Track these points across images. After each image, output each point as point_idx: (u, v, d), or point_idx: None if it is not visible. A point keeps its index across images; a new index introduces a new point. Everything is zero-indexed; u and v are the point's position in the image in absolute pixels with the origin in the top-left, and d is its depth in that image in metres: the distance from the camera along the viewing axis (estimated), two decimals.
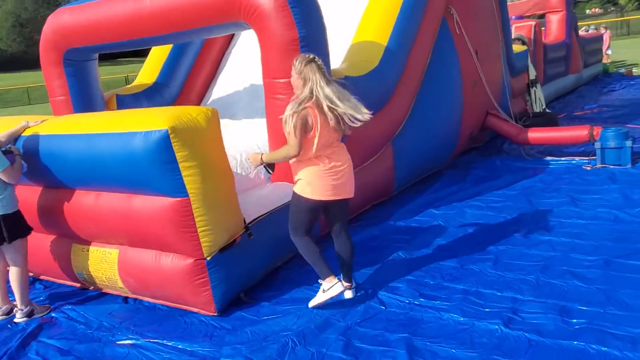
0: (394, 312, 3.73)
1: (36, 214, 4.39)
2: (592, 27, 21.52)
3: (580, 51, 14.05)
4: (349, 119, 3.49)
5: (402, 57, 5.86)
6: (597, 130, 6.87)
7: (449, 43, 6.80)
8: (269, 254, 4.35)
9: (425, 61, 6.32)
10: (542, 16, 14.25)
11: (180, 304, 4.01)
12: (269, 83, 4.71)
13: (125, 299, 4.36)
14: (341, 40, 6.10)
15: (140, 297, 4.28)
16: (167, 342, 3.60)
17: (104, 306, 4.28)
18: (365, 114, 3.49)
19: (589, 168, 6.70)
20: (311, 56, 3.54)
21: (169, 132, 3.47)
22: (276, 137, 4.74)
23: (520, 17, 12.32)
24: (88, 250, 4.27)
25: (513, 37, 9.73)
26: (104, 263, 4.17)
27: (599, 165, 6.67)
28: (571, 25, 13.43)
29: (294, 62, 3.57)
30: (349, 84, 4.55)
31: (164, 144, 3.49)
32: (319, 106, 3.45)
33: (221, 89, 7.65)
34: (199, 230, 3.66)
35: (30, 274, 4.42)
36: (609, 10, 48.94)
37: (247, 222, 4.08)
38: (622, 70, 16.67)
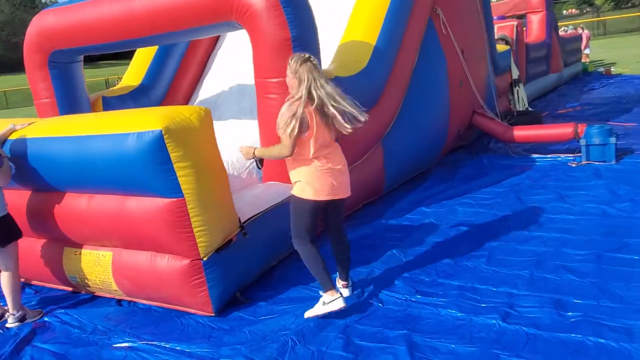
0: (391, 309, 3.74)
1: (25, 218, 4.32)
2: (571, 27, 21.85)
3: (561, 51, 14.26)
4: (349, 118, 3.46)
5: (391, 56, 5.89)
6: (582, 128, 6.98)
7: (435, 43, 6.86)
8: (264, 253, 4.34)
9: (413, 61, 6.37)
10: (522, 16, 14.42)
11: (177, 305, 3.98)
12: (260, 82, 4.70)
13: (119, 301, 4.31)
14: (329, 40, 6.11)
15: (134, 300, 4.24)
16: (164, 343, 3.57)
17: (98, 309, 4.23)
18: (364, 115, 3.49)
19: (574, 165, 6.80)
20: (306, 55, 3.49)
21: (163, 132, 3.44)
22: (268, 136, 4.73)
23: (502, 18, 12.48)
24: (80, 254, 4.21)
25: (496, 37, 9.83)
26: (97, 266, 4.12)
27: (584, 162, 6.77)
28: (551, 25, 13.64)
29: (289, 61, 3.50)
30: (339, 84, 4.59)
31: (158, 144, 3.46)
32: (316, 106, 3.39)
33: (207, 90, 7.62)
34: (194, 230, 3.64)
35: (21, 279, 4.34)
36: (585, 11, 49.72)
37: (242, 221, 4.06)
38: (601, 69, 16.95)
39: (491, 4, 10.24)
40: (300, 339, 3.43)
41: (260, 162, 3.71)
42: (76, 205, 4.01)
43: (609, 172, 6.32)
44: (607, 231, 4.65)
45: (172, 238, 3.67)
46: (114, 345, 3.62)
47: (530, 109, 10.38)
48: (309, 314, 3.64)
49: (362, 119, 3.48)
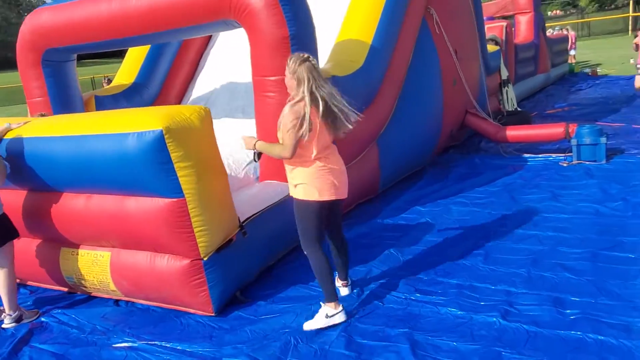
0: (391, 307, 3.76)
1: (22, 218, 4.27)
2: (557, 28, 22.07)
3: (548, 51, 14.40)
4: (346, 118, 3.45)
5: (386, 56, 5.92)
6: (573, 128, 7.06)
7: (429, 42, 6.90)
8: (263, 252, 4.34)
9: (407, 60, 6.40)
10: (507, 17, 14.53)
11: (176, 305, 3.97)
12: (258, 81, 4.70)
13: (117, 301, 4.29)
14: (324, 39, 6.12)
15: (132, 300, 4.21)
16: (165, 343, 3.56)
17: (95, 309, 4.20)
18: (355, 115, 3.48)
19: (565, 164, 6.87)
20: (305, 55, 3.42)
21: (164, 132, 3.42)
22: (265, 135, 4.71)
23: (491, 18, 12.58)
24: (78, 254, 4.18)
25: (487, 37, 9.91)
26: (95, 266, 4.09)
27: (575, 162, 6.85)
28: (539, 25, 13.77)
29: (288, 61, 3.43)
30: (336, 83, 4.59)
31: (159, 144, 3.44)
32: (317, 107, 3.34)
33: (200, 88, 7.61)
34: (195, 230, 3.62)
35: (17, 280, 4.29)
36: (569, 12, 50.22)
37: (241, 221, 4.06)
38: (587, 70, 17.14)
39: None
40: (302, 338, 3.44)
41: (258, 155, 3.62)
42: (74, 205, 3.98)
43: (600, 171, 6.40)
44: (601, 230, 4.71)
45: (172, 238, 3.65)
46: (114, 345, 3.60)
47: (519, 109, 10.48)
48: (309, 325, 3.55)
49: (353, 120, 3.46)
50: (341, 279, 3.99)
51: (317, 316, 3.57)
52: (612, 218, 4.96)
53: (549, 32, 17.33)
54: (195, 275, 3.72)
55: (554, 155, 7.31)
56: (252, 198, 4.52)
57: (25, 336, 3.87)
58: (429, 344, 3.27)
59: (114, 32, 5.29)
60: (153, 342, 3.59)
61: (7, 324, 4.04)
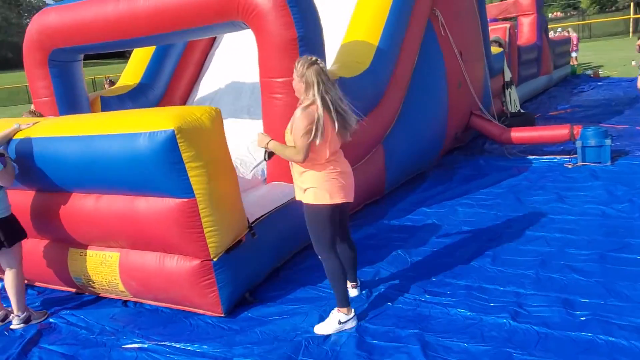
0: (401, 308, 3.76)
1: (30, 219, 4.27)
2: (560, 29, 22.09)
3: (551, 53, 14.41)
4: (350, 122, 3.41)
5: (393, 57, 5.92)
6: (577, 130, 7.06)
7: (434, 44, 6.90)
8: (272, 254, 4.35)
9: (413, 62, 6.41)
10: (508, 19, 14.54)
11: (185, 305, 3.97)
12: (266, 82, 4.70)
13: (125, 302, 4.29)
14: (330, 41, 6.12)
15: (141, 300, 4.22)
16: (175, 344, 3.56)
17: (104, 310, 4.20)
18: (358, 118, 3.46)
19: (570, 166, 6.88)
20: (313, 58, 3.36)
21: (175, 132, 3.43)
22: (272, 135, 4.65)
23: (494, 20, 12.59)
24: (86, 255, 4.18)
25: (490, 39, 9.92)
26: (104, 267, 4.09)
27: (580, 163, 6.86)
28: (541, 27, 13.79)
29: (296, 64, 3.39)
30: (343, 85, 4.59)
31: (170, 144, 3.45)
32: (328, 110, 3.32)
33: (205, 89, 7.62)
34: (205, 230, 3.63)
35: (25, 281, 4.29)
36: (569, 14, 50.27)
37: (250, 222, 4.06)
38: (589, 72, 17.15)
39: None
40: (313, 339, 3.44)
41: (269, 154, 3.55)
42: (83, 206, 3.98)
43: (605, 173, 6.40)
44: (608, 231, 4.71)
45: (182, 238, 3.65)
46: (124, 346, 3.60)
47: (522, 110, 10.48)
48: (320, 330, 3.53)
49: (356, 124, 3.44)
50: (350, 281, 3.98)
51: (329, 321, 3.56)
52: (618, 220, 4.96)
53: (550, 34, 17.36)
54: (205, 275, 3.72)
55: (558, 156, 7.32)
56: (261, 199, 4.52)
57: (34, 337, 3.87)
58: (439, 345, 3.27)
59: (121, 32, 5.29)
60: (163, 343, 3.59)
61: (16, 324, 4.05)
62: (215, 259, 3.71)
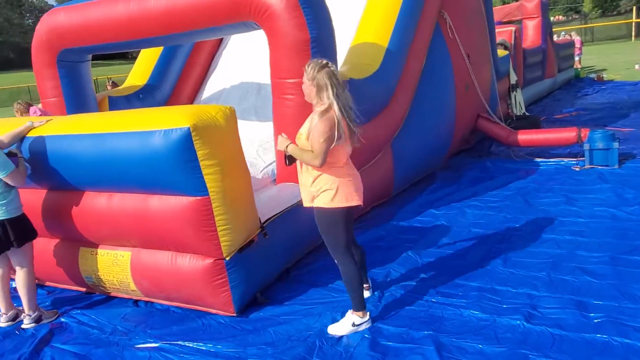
0: (413, 310, 3.75)
1: (40, 218, 4.27)
2: (563, 33, 22.09)
3: (555, 56, 14.41)
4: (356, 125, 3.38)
5: (402, 59, 5.93)
6: (585, 133, 7.06)
7: (442, 46, 6.91)
8: (283, 254, 4.35)
9: (421, 64, 6.41)
10: (512, 22, 14.54)
11: (197, 305, 3.96)
12: (277, 83, 4.70)
13: (136, 302, 4.29)
14: (339, 42, 6.12)
15: (152, 300, 4.21)
16: (188, 343, 3.56)
17: (115, 310, 4.20)
18: (360, 122, 3.42)
19: (577, 169, 6.87)
20: (324, 61, 3.32)
21: (191, 130, 3.43)
22: None
23: (499, 23, 12.58)
24: (97, 254, 4.18)
25: (496, 41, 9.92)
26: (115, 266, 4.08)
27: (587, 166, 6.85)
28: (546, 30, 13.78)
29: (306, 68, 3.33)
30: (354, 86, 4.59)
31: (186, 142, 3.45)
32: (343, 114, 3.28)
33: (212, 90, 7.62)
34: (218, 229, 3.63)
35: (36, 280, 4.29)
36: (571, 17, 50.29)
37: (262, 221, 4.06)
38: (593, 75, 17.15)
39: None
40: (327, 339, 3.43)
41: (290, 159, 3.47)
42: (95, 205, 3.98)
43: (613, 176, 6.39)
44: (618, 234, 4.70)
45: (195, 237, 3.65)
46: (137, 346, 3.59)
47: (527, 113, 10.48)
48: (334, 330, 3.51)
49: (358, 128, 3.41)
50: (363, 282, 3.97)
51: (344, 321, 3.54)
52: (629, 222, 4.95)
53: (554, 38, 17.36)
54: (218, 275, 3.72)
55: (565, 159, 7.31)
56: (271, 200, 4.52)
57: (45, 336, 3.86)
58: (454, 346, 3.26)
59: (131, 33, 5.29)
60: (176, 343, 3.58)
61: (27, 324, 4.04)
62: (228, 258, 3.71)
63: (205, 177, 3.52)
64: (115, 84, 10.14)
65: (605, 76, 16.68)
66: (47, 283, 4.74)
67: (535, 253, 4.48)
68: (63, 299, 4.52)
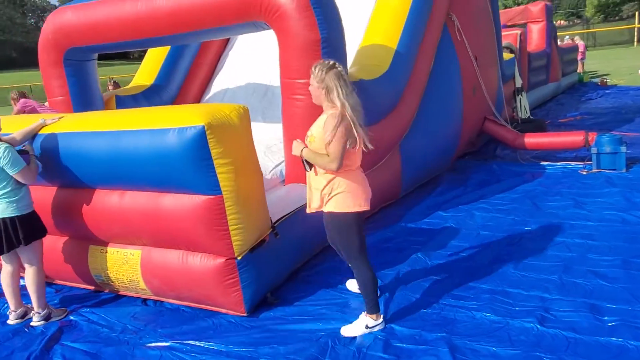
0: (425, 312, 3.73)
1: (51, 215, 4.26)
2: (567, 37, 22.11)
3: (559, 60, 14.42)
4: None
5: (411, 61, 5.91)
6: (592, 136, 7.05)
7: (450, 49, 6.90)
8: (293, 254, 4.33)
9: (429, 65, 6.40)
10: (516, 25, 14.52)
11: (208, 304, 3.94)
12: (287, 83, 4.69)
13: (145, 300, 4.27)
14: (348, 43, 6.11)
15: (161, 299, 4.19)
16: (199, 343, 3.54)
17: (124, 308, 4.18)
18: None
19: (585, 172, 6.85)
20: (331, 62, 3.28)
21: (205, 128, 3.42)
22: (292, 137, 4.70)
23: (504, 26, 12.58)
24: (107, 252, 4.16)
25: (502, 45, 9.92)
26: (125, 264, 4.07)
27: (594, 170, 6.83)
28: (551, 34, 13.79)
29: (313, 69, 3.28)
30: (363, 87, 4.57)
31: (200, 140, 3.43)
32: (354, 115, 3.23)
33: (218, 90, 7.60)
34: (230, 228, 3.61)
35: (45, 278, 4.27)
36: (573, 22, 50.35)
37: (273, 221, 4.04)
38: (596, 80, 17.15)
39: None
40: (339, 340, 3.42)
41: (309, 164, 3.38)
42: (107, 203, 3.96)
43: (621, 180, 6.38)
44: (629, 237, 4.68)
45: (207, 236, 3.63)
46: (147, 345, 3.57)
47: (532, 117, 10.48)
48: (348, 332, 3.49)
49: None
50: None
51: (357, 323, 3.52)
52: (638, 226, 4.93)
53: (559, 42, 17.36)
54: (229, 274, 3.70)
55: (572, 163, 7.30)
56: (281, 200, 4.50)
57: (55, 334, 3.85)
58: (467, 349, 3.24)
59: (138, 32, 5.27)
60: (187, 342, 3.56)
61: (36, 322, 4.02)
62: (239, 258, 3.69)
63: (218, 175, 3.50)
64: (117, 84, 10.12)
65: (609, 81, 16.68)
66: (56, 281, 4.71)
67: (546, 256, 4.46)
68: (71, 297, 4.51)
